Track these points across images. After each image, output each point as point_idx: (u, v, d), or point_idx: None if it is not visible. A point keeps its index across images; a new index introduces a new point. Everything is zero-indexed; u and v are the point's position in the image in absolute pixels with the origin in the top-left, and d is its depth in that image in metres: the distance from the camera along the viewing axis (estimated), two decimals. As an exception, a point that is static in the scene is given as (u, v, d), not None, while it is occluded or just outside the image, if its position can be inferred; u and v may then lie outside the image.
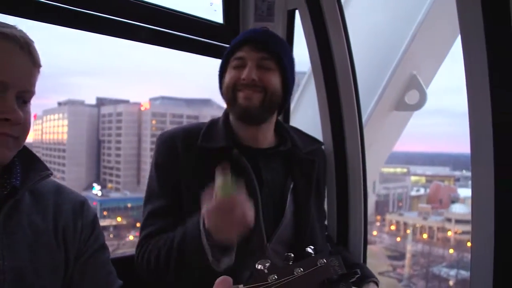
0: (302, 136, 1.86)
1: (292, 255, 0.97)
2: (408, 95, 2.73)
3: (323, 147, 1.99)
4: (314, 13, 2.05)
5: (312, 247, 1.09)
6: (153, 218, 1.60)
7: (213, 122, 1.73)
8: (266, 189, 1.63)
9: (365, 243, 2.11)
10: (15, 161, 1.11)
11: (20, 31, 1.07)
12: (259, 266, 0.97)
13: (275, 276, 0.75)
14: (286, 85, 1.67)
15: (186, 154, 1.61)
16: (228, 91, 1.64)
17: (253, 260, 1.00)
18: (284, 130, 1.79)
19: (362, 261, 2.09)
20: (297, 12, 2.21)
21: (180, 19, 2.12)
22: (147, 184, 1.69)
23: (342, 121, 2.08)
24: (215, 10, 2.19)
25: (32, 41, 1.08)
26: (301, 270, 0.76)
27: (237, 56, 1.64)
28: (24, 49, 1.05)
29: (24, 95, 1.06)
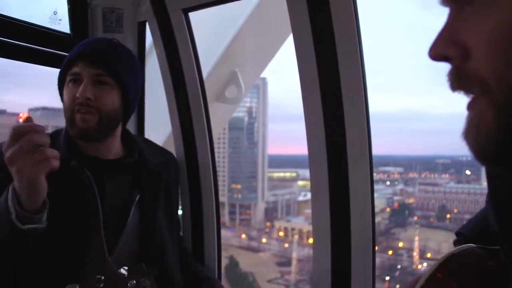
0: (152, 147, 1.85)
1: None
2: (229, 90, 2.91)
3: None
4: (163, 25, 2.07)
5: (126, 267, 1.09)
6: None
7: (57, 132, 1.66)
8: (109, 201, 1.58)
9: (219, 256, 2.15)
10: None
11: None
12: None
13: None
14: (126, 100, 1.63)
15: None
16: (67, 112, 1.57)
17: (94, 273, 0.98)
18: (132, 141, 1.76)
19: (216, 275, 2.13)
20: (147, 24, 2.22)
21: (24, 29, 2.01)
22: None
23: (193, 131, 2.11)
24: (60, 20, 2.10)
25: None
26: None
27: (72, 72, 1.56)
28: None
29: None
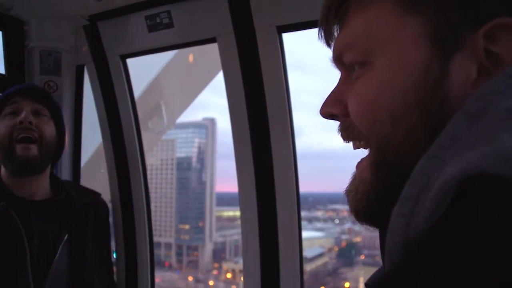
0: (78, 188, 1.89)
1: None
2: (152, 121, 3.02)
3: (105, 198, 2.02)
4: (101, 69, 2.12)
5: None
6: None
7: None
8: (36, 240, 1.59)
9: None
10: None
11: None
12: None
13: None
14: (61, 132, 1.74)
15: None
16: (4, 142, 1.61)
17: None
18: (58, 182, 1.79)
19: None
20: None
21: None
22: None
23: (128, 172, 2.14)
24: (-4, 60, 2.11)
25: None
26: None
27: (12, 101, 1.66)
28: None
29: None
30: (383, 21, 0.52)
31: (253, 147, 1.80)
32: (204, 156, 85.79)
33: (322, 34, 0.62)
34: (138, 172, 2.12)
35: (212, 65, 3.26)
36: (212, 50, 2.03)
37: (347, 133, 0.58)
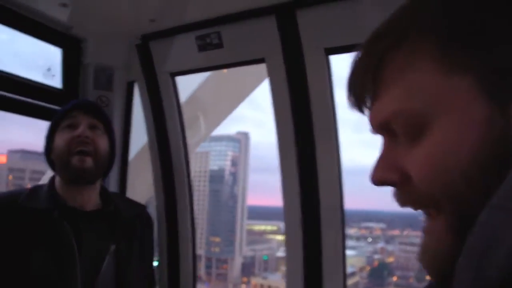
0: (125, 201, 1.96)
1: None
2: (190, 131, 3.04)
3: (151, 211, 2.09)
4: (151, 86, 2.21)
5: None
6: None
7: (38, 186, 1.76)
8: (85, 250, 1.66)
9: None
10: None
11: None
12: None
13: None
14: (113, 147, 1.83)
15: (4, 220, 1.60)
16: (62, 155, 1.69)
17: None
18: (108, 194, 1.87)
19: None
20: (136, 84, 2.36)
21: (19, 82, 2.13)
22: None
23: (174, 188, 2.20)
24: (54, 75, 2.23)
25: None
26: None
27: (70, 115, 1.75)
28: None
29: None
30: (429, 83, 0.52)
31: (299, 166, 1.84)
32: (237, 170, 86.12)
33: (354, 100, 0.60)
34: (184, 187, 2.19)
35: (251, 80, 3.36)
36: (251, 66, 2.12)
37: (407, 198, 0.56)
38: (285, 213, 1.89)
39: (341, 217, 1.81)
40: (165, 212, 2.20)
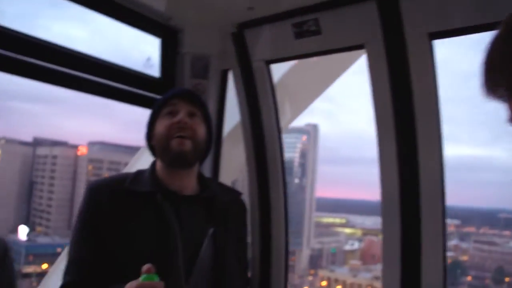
0: (222, 187, 2.00)
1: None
2: None
3: (245, 197, 2.11)
4: (245, 73, 2.23)
5: None
6: (74, 267, 1.68)
7: (140, 171, 1.85)
8: (185, 233, 1.72)
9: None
10: None
11: None
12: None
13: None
14: (210, 134, 1.88)
15: (112, 201, 1.70)
16: (162, 139, 1.77)
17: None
18: (205, 180, 1.93)
19: None
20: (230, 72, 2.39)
21: (120, 71, 2.23)
22: (73, 227, 1.77)
23: (267, 175, 2.22)
24: (153, 65, 2.32)
25: None
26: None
27: (170, 103, 1.82)
28: None
29: None
30: None
31: (398, 156, 1.78)
32: (306, 161, 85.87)
33: (487, 88, 0.60)
34: (278, 175, 2.20)
35: (337, 66, 3.31)
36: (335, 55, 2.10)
37: None
38: (383, 207, 1.85)
39: (442, 211, 1.75)
40: (258, 199, 2.23)
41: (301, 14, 2.00)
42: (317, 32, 1.98)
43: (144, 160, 2.19)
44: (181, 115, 1.77)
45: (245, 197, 2.09)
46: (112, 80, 2.19)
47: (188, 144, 1.75)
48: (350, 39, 1.92)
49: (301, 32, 2.02)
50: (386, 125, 1.82)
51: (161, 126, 1.79)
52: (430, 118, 1.74)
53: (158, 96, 2.19)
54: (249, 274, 2.15)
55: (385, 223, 1.85)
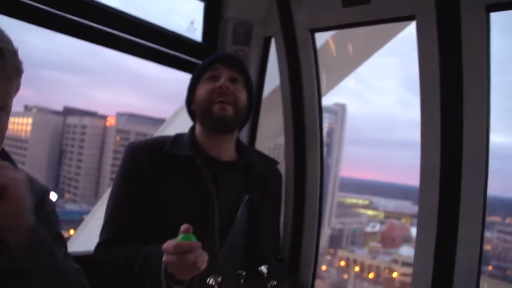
0: (259, 154, 2.00)
1: (244, 273, 1.01)
2: None
3: (281, 168, 2.11)
4: (289, 43, 2.19)
5: (266, 265, 1.18)
6: (112, 225, 1.72)
7: (179, 135, 1.86)
8: (222, 198, 1.74)
9: (315, 267, 2.21)
10: None
11: None
12: (211, 281, 1.02)
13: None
14: (250, 100, 1.87)
15: (152, 162, 1.72)
16: (204, 103, 1.77)
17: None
18: (243, 147, 1.94)
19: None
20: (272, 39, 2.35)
21: (161, 33, 2.22)
22: (111, 187, 1.80)
23: (305, 146, 2.20)
24: (196, 29, 2.31)
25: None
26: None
27: (213, 67, 1.82)
28: None
29: None
30: None
31: (442, 136, 1.72)
32: (332, 141, 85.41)
33: None
34: (316, 148, 2.18)
35: (376, 39, 3.23)
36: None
37: None
38: (421, 194, 1.79)
39: (483, 201, 1.69)
40: (294, 168, 2.21)
41: (351, -19, 1.94)
42: (366, 1, 1.92)
43: (169, 132, 2.17)
44: (223, 80, 1.76)
45: (280, 166, 2.09)
46: (154, 43, 2.19)
47: (229, 110, 1.75)
48: (400, 9, 1.85)
49: (349, 0, 1.97)
50: (432, 103, 1.74)
51: (203, 90, 1.79)
52: (479, 100, 1.66)
53: (199, 61, 2.20)
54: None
55: (422, 197, 1.79)
